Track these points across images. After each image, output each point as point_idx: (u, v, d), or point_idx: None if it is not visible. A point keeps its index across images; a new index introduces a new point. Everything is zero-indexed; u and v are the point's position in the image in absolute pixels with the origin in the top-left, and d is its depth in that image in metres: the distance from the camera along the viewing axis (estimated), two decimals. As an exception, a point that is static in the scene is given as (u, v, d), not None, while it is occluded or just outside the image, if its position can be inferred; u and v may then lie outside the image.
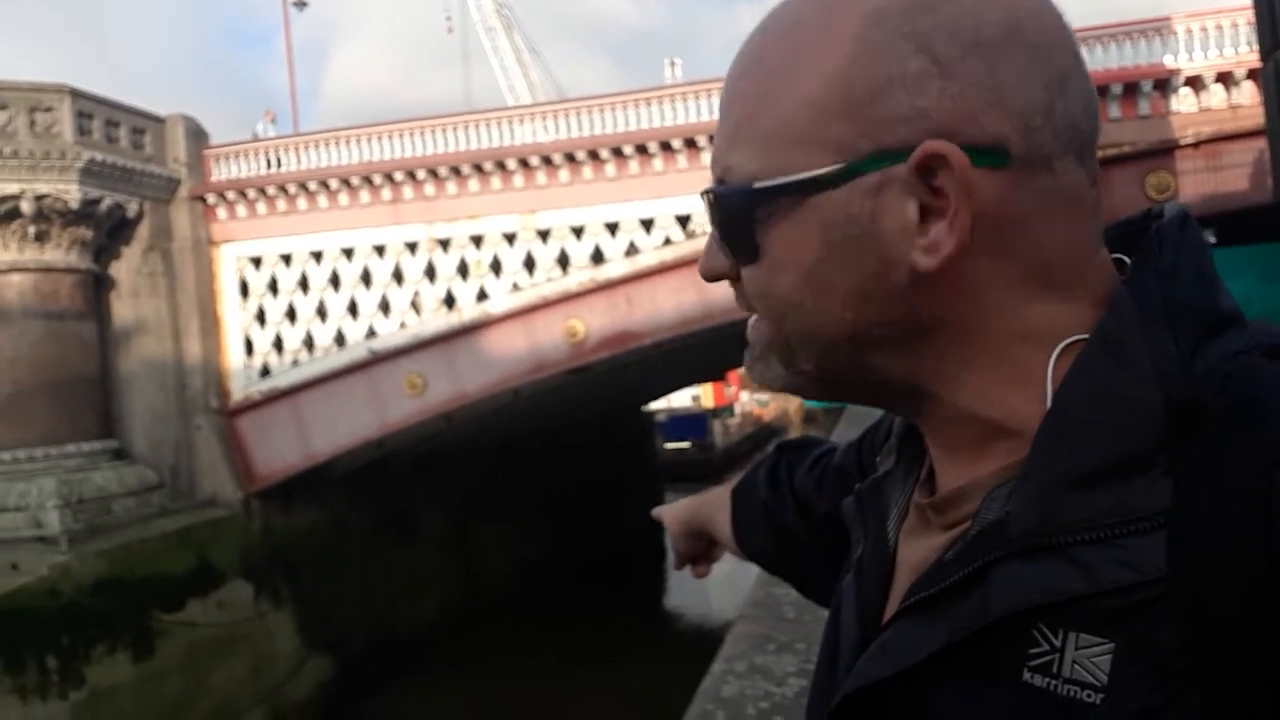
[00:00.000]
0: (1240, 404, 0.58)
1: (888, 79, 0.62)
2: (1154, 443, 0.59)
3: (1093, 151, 0.66)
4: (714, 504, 1.32)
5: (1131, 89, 16.64)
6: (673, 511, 1.41)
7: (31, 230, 17.09)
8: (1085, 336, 0.64)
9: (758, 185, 0.67)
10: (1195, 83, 16.55)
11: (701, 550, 1.38)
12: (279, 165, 19.83)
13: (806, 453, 1.23)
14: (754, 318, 0.75)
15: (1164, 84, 16.61)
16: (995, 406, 0.67)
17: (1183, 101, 16.66)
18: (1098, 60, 16.87)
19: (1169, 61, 16.69)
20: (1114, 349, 0.62)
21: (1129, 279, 0.65)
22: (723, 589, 27.20)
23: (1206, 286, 0.64)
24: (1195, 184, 16.05)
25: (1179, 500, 0.57)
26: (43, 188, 16.89)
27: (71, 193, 17.10)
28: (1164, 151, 16.31)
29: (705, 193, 0.72)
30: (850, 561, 0.83)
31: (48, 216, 17.13)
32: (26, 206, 16.85)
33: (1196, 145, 16.22)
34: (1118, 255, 0.70)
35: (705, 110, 18.27)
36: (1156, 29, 16.89)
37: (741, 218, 0.69)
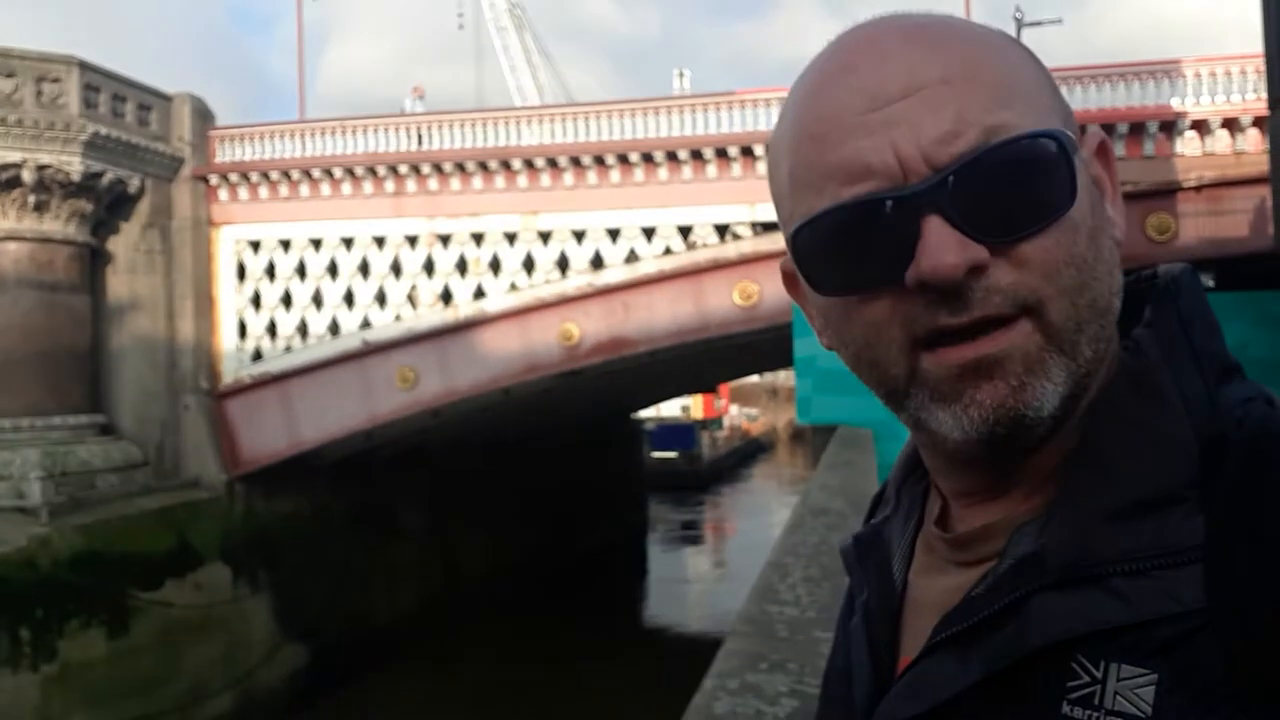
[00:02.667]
0: (1258, 445, 0.61)
1: (1054, 87, 0.71)
2: (1186, 477, 0.61)
3: None
4: None
5: (1138, 129, 16.75)
6: None
7: (31, 200, 17.04)
8: None
9: (1048, 131, 0.65)
10: (1201, 127, 16.66)
11: None
12: (302, 149, 19.73)
13: None
14: (991, 336, 0.64)
15: (1170, 126, 16.71)
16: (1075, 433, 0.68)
17: (1188, 145, 16.77)
18: (1105, 98, 16.99)
19: (1176, 104, 16.80)
20: (1141, 387, 0.65)
21: (1150, 323, 0.68)
22: (701, 599, 27.24)
23: (1217, 336, 0.68)
24: (1195, 227, 16.16)
25: (1214, 535, 0.59)
26: (45, 158, 16.83)
27: (74, 165, 17.05)
28: (1166, 193, 16.41)
29: (1004, 143, 0.64)
30: (855, 604, 0.84)
31: (48, 187, 17.07)
32: (28, 176, 16.79)
33: (1199, 189, 16.33)
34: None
35: (713, 123, 18.31)
36: (1166, 71, 17.01)
37: (1063, 164, 0.65)
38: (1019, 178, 0.64)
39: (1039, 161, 0.64)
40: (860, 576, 0.84)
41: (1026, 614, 0.62)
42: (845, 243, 0.67)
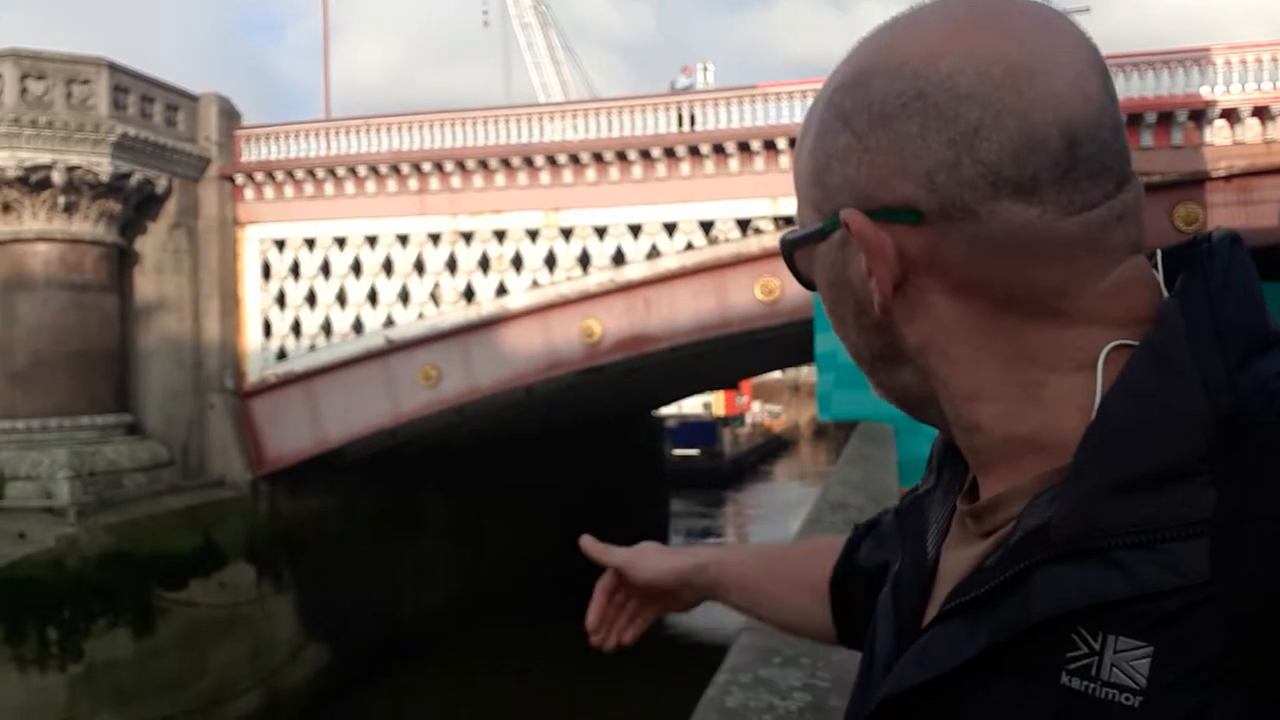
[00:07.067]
0: None
1: (829, 153, 0.72)
2: (1198, 453, 0.60)
3: (1061, 185, 0.66)
4: (775, 575, 1.24)
5: (1166, 118, 16.52)
6: (648, 560, 1.24)
7: (61, 201, 17.22)
8: (1124, 342, 0.67)
9: (786, 236, 0.79)
10: (1231, 115, 16.42)
11: (648, 610, 1.29)
12: (327, 148, 19.85)
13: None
14: None
15: (1199, 115, 16.48)
16: (1016, 422, 0.69)
17: (1217, 134, 16.53)
18: (1133, 88, 16.76)
19: (1205, 92, 16.56)
20: (1160, 360, 0.64)
21: (1178, 294, 0.67)
22: (719, 607, 27.11)
23: (1255, 307, 0.67)
24: (1224, 217, 15.93)
25: (1223, 508, 0.59)
26: (75, 159, 17.02)
27: (103, 166, 17.22)
28: (1194, 183, 16.20)
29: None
30: (890, 575, 0.86)
31: (78, 188, 17.26)
32: (57, 177, 16.98)
33: (1228, 178, 16.11)
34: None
35: (735, 117, 18.26)
36: (1195, 59, 16.78)
37: (788, 259, 0.81)
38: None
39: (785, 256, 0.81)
40: (896, 546, 0.86)
41: (1031, 585, 0.63)
42: None
